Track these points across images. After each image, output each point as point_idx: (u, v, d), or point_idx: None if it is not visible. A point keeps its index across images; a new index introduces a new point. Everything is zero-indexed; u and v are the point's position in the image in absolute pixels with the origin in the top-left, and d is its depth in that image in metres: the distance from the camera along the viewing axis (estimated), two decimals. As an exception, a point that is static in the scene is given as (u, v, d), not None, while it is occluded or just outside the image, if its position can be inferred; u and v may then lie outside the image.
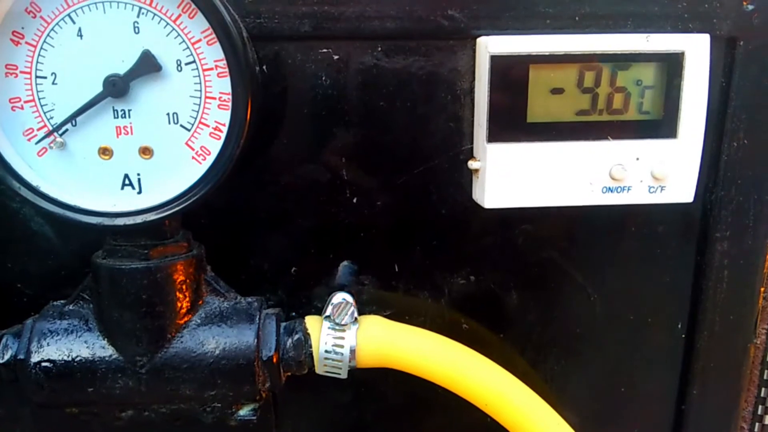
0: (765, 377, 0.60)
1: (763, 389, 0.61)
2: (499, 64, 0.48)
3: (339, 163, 0.55)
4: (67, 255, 0.55)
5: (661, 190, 0.50)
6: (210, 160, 0.46)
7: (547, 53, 0.48)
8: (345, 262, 0.58)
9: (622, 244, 0.58)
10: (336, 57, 0.52)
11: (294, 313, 0.57)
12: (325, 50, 0.52)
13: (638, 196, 0.50)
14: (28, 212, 0.55)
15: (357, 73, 0.53)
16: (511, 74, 0.48)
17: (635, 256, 0.58)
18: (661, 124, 0.49)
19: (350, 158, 0.55)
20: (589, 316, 0.60)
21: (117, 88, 0.44)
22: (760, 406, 0.61)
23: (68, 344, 0.48)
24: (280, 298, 0.57)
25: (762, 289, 0.58)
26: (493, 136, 0.49)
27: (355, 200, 0.55)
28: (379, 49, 0.53)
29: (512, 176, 0.50)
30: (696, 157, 0.50)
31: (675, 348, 0.61)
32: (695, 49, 0.49)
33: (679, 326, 0.60)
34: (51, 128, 0.45)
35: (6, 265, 0.56)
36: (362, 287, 0.57)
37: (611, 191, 0.51)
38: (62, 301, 0.51)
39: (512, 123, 0.49)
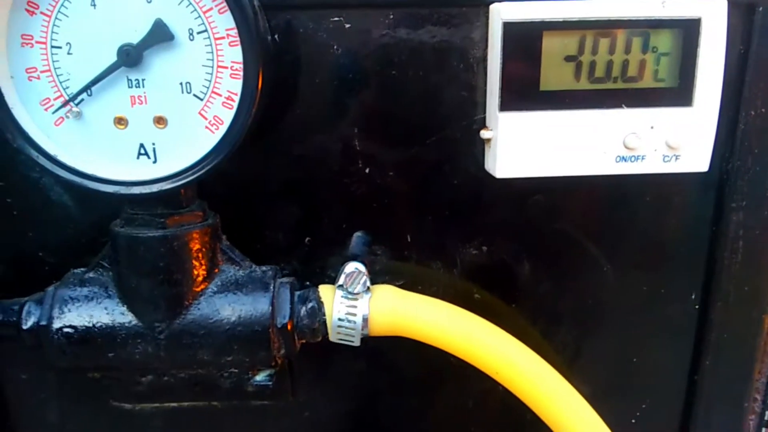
0: (779, 348, 0.60)
1: (776, 360, 0.60)
2: (512, 30, 0.48)
3: (351, 133, 0.55)
4: (87, 224, 0.56)
5: (676, 159, 0.50)
6: (223, 129, 0.47)
7: (560, 20, 0.48)
8: (358, 233, 0.58)
9: (636, 215, 0.58)
10: (348, 26, 0.52)
11: (308, 283, 0.57)
12: (336, 19, 0.52)
13: (652, 165, 0.50)
14: (48, 182, 0.56)
15: (369, 42, 0.53)
16: (524, 41, 0.48)
17: (649, 227, 0.58)
18: (676, 92, 0.49)
19: (362, 128, 0.55)
20: (602, 287, 0.60)
21: (130, 57, 0.44)
22: (773, 377, 0.61)
23: (89, 310, 0.49)
24: (294, 267, 0.58)
25: (777, 260, 0.58)
26: (506, 105, 0.49)
27: (367, 170, 0.56)
28: (391, 17, 0.52)
29: (524, 145, 0.50)
30: (712, 126, 0.50)
31: (689, 319, 0.60)
32: (712, 15, 0.48)
33: (693, 297, 0.60)
34: (67, 98, 0.46)
35: (27, 235, 0.57)
36: (375, 257, 0.58)
37: (625, 160, 0.50)
38: (82, 269, 0.52)
39: (525, 91, 0.49)
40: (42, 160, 0.45)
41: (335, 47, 0.53)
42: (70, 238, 0.57)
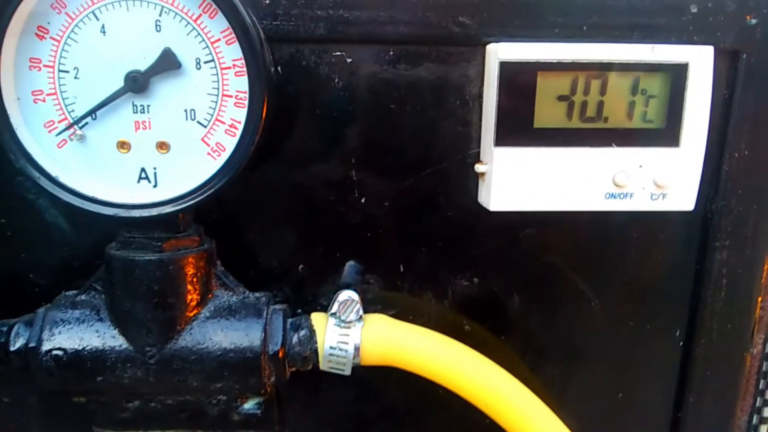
0: (761, 386, 0.61)
1: (758, 399, 0.62)
2: (508, 70, 0.49)
3: (349, 164, 0.56)
4: (80, 246, 0.56)
5: (663, 197, 0.52)
6: (225, 156, 0.48)
7: (554, 61, 0.49)
8: (351, 262, 0.59)
9: (623, 251, 0.59)
10: (349, 60, 0.54)
11: (300, 310, 0.58)
12: (338, 53, 0.54)
13: (640, 203, 0.52)
14: (43, 204, 0.56)
15: (369, 76, 0.54)
16: (519, 80, 0.50)
17: (636, 263, 0.59)
18: (664, 133, 0.51)
19: (360, 159, 0.56)
20: (590, 322, 0.61)
21: (137, 83, 0.45)
22: (755, 416, 0.62)
23: (79, 333, 0.49)
24: (287, 294, 0.58)
25: (759, 299, 0.59)
26: (500, 140, 0.50)
27: (363, 200, 0.57)
28: (392, 53, 0.54)
29: (518, 180, 0.51)
30: (697, 166, 0.51)
31: (673, 355, 0.62)
32: (699, 61, 0.50)
33: (678, 334, 0.61)
34: (72, 121, 0.46)
35: (20, 256, 0.57)
36: (368, 286, 0.58)
37: (614, 197, 0.52)
38: (74, 291, 0.52)
39: (519, 127, 0.50)
40: (43, 181, 0.46)
41: (336, 80, 0.54)
42: (63, 260, 0.57)
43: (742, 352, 0.60)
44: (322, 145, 0.56)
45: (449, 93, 0.55)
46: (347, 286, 0.57)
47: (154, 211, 0.47)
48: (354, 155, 0.56)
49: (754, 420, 0.62)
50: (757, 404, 0.62)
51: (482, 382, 0.53)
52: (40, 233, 0.56)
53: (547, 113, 0.50)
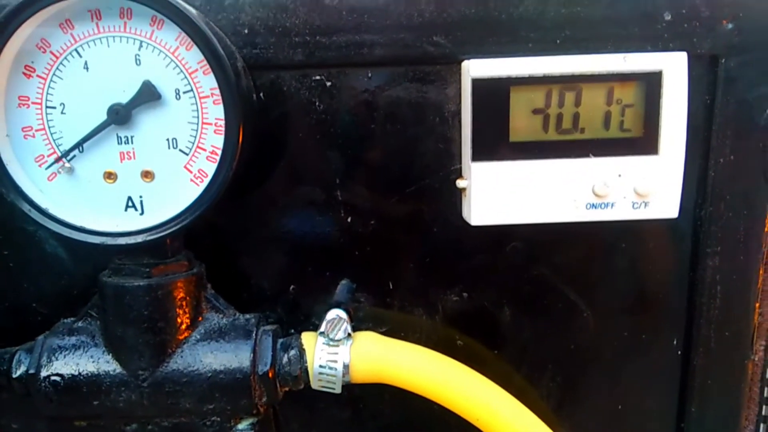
0: (765, 395, 0.60)
1: (764, 407, 0.60)
2: (480, 86, 0.50)
3: (333, 184, 0.57)
4: (79, 275, 0.58)
5: (645, 206, 0.51)
6: (206, 182, 0.49)
7: (526, 75, 0.50)
8: (344, 281, 0.60)
9: (613, 261, 0.59)
10: (329, 83, 0.55)
11: (293, 330, 0.59)
12: (318, 77, 0.55)
13: (622, 212, 0.52)
14: (43, 236, 0.58)
15: (349, 98, 0.55)
16: (492, 96, 0.50)
17: (628, 273, 0.59)
18: (642, 141, 0.51)
19: (344, 179, 0.57)
20: (584, 333, 0.60)
21: (120, 116, 0.47)
22: (761, 425, 0.60)
23: (75, 359, 0.51)
24: (280, 315, 0.59)
25: (757, 305, 0.58)
26: (478, 155, 0.51)
27: (349, 219, 0.58)
28: (370, 75, 0.55)
29: (497, 194, 0.51)
30: (678, 173, 0.51)
31: (672, 365, 0.61)
32: (673, 68, 0.50)
33: (675, 343, 0.60)
34: (60, 154, 0.48)
35: (22, 286, 0.59)
36: (358, 304, 0.59)
37: (595, 207, 0.52)
38: (72, 319, 0.54)
39: (495, 142, 0.51)
40: (33, 213, 0.48)
41: (317, 104, 0.56)
42: (64, 289, 0.59)
43: (742, 360, 0.59)
44: (306, 167, 0.57)
45: (429, 111, 0.56)
46: (338, 305, 0.58)
47: (140, 238, 0.48)
48: (338, 176, 0.57)
49: (761, 429, 0.61)
50: (763, 412, 0.60)
51: (472, 397, 0.53)
52: (41, 264, 0.58)
53: (523, 127, 0.51)
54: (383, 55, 0.54)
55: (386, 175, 0.57)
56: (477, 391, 0.53)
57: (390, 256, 0.58)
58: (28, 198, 0.48)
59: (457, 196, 0.56)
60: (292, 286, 0.59)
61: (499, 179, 0.51)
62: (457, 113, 0.55)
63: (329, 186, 0.57)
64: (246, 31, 0.53)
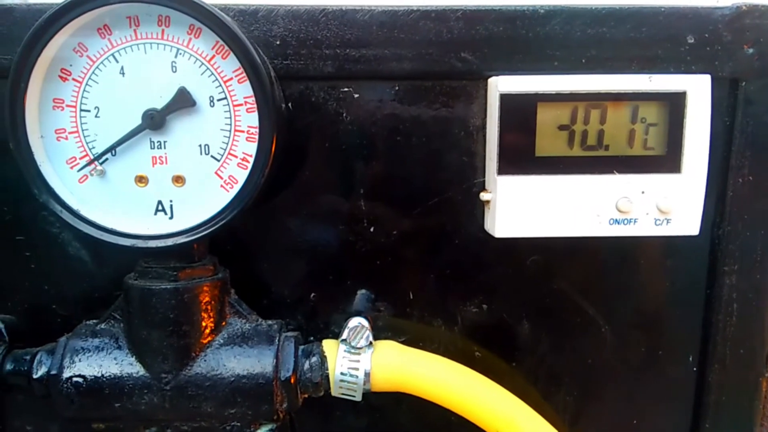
0: (778, 412, 0.60)
1: (776, 425, 0.61)
2: (508, 101, 0.51)
3: (358, 195, 0.58)
4: (101, 278, 0.59)
5: (667, 222, 0.52)
6: (237, 188, 0.50)
7: (554, 92, 0.51)
8: (362, 290, 0.60)
9: (632, 277, 0.60)
10: (356, 95, 0.56)
11: (312, 338, 0.59)
12: (346, 89, 0.56)
13: (644, 228, 0.52)
14: (66, 238, 0.58)
15: (376, 110, 0.56)
16: (519, 111, 0.51)
17: (646, 289, 0.60)
18: (665, 160, 0.52)
19: (368, 190, 0.58)
20: (601, 348, 0.61)
21: (155, 121, 0.48)
22: (774, 442, 0.61)
23: (99, 360, 0.51)
24: (300, 322, 0.60)
25: (772, 323, 0.59)
26: (503, 169, 0.52)
27: (372, 230, 0.58)
28: (397, 88, 0.56)
29: (521, 207, 0.52)
30: (700, 191, 0.52)
31: (687, 381, 0.61)
32: (697, 89, 0.51)
33: (690, 359, 0.61)
34: (92, 157, 0.49)
35: (43, 288, 0.59)
36: (378, 314, 0.60)
37: (618, 223, 0.53)
38: (94, 321, 0.54)
39: (521, 157, 0.52)
40: (65, 215, 0.48)
41: (344, 115, 0.56)
42: (84, 291, 0.59)
43: (756, 377, 0.60)
44: (331, 177, 0.58)
45: (453, 125, 0.57)
46: (358, 314, 0.59)
47: (170, 242, 0.49)
48: (363, 186, 0.58)
49: (773, 448, 0.61)
50: (776, 431, 0.61)
51: (493, 408, 0.53)
52: (62, 266, 0.59)
53: (549, 142, 0.52)
54: (411, 69, 0.55)
55: (409, 186, 0.58)
56: (498, 403, 0.53)
57: (411, 267, 0.59)
58: (60, 199, 0.48)
59: (479, 208, 0.57)
60: (312, 294, 0.60)
61: (524, 193, 0.52)
62: (482, 128, 0.56)
63: (353, 196, 0.58)
64: (278, 42, 0.54)
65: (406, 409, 0.61)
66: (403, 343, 0.56)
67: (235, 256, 0.57)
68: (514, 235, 0.53)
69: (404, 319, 0.60)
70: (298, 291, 0.60)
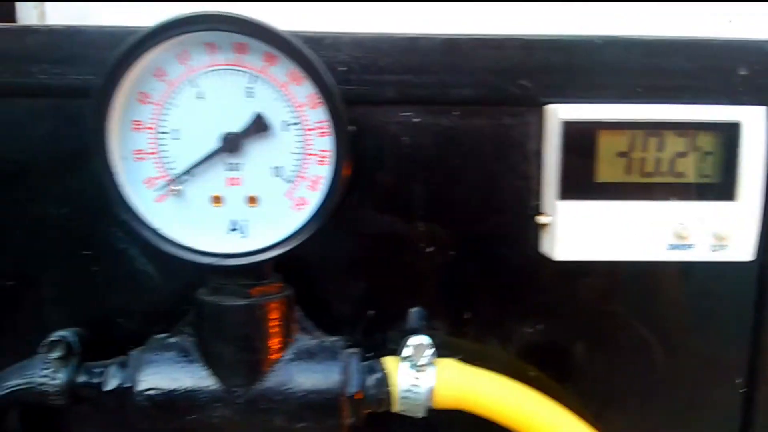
0: (825, 434, 0.62)
1: (823, 446, 0.62)
2: (570, 128, 0.53)
3: (416, 215, 0.59)
4: (165, 293, 0.60)
5: (723, 248, 0.54)
6: (307, 209, 0.52)
7: (614, 120, 0.53)
8: (415, 308, 0.62)
9: (682, 299, 0.61)
10: (416, 120, 0.58)
11: (368, 354, 0.61)
12: (406, 114, 0.58)
13: (701, 253, 0.54)
14: (132, 253, 0.60)
15: (434, 134, 0.58)
16: (580, 138, 0.53)
17: (695, 311, 0.61)
18: (721, 188, 0.53)
19: (426, 211, 0.59)
20: (652, 369, 0.62)
21: (232, 144, 0.50)
22: (820, 464, 0.62)
23: (172, 374, 0.52)
24: (357, 339, 0.61)
25: (820, 347, 0.60)
26: (564, 194, 0.54)
27: (429, 250, 0.60)
28: (455, 113, 0.58)
29: (581, 231, 0.54)
30: (755, 218, 0.54)
31: (734, 403, 0.62)
32: (752, 120, 0.53)
33: (738, 381, 0.62)
34: (171, 178, 0.51)
35: (109, 301, 0.61)
36: (433, 332, 0.61)
37: (676, 248, 0.54)
38: (164, 335, 0.56)
39: (582, 182, 0.53)
40: (146, 233, 0.50)
41: (403, 138, 0.58)
42: (149, 305, 0.61)
43: (804, 399, 0.61)
44: (390, 198, 0.59)
45: (509, 150, 0.58)
46: (414, 332, 0.60)
47: (247, 260, 0.51)
48: (421, 207, 0.59)
49: (818, 469, 0.62)
50: (821, 452, 0.62)
51: (552, 427, 0.54)
52: (128, 281, 0.60)
53: (608, 168, 0.54)
54: (470, 95, 0.57)
55: (466, 208, 0.59)
56: (558, 423, 0.54)
57: (467, 287, 0.61)
58: (141, 218, 0.50)
59: (533, 231, 0.59)
60: (370, 312, 0.61)
61: (584, 217, 0.54)
62: (537, 153, 0.58)
63: (411, 216, 0.60)
64: (343, 68, 0.56)
65: (460, 424, 0.62)
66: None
67: (294, 273, 0.59)
68: (573, 259, 0.54)
69: (459, 338, 0.61)
70: (355, 309, 0.61)
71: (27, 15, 1.18)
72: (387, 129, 0.58)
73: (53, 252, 0.60)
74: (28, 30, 0.55)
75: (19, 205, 0.58)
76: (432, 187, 0.59)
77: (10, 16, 1.16)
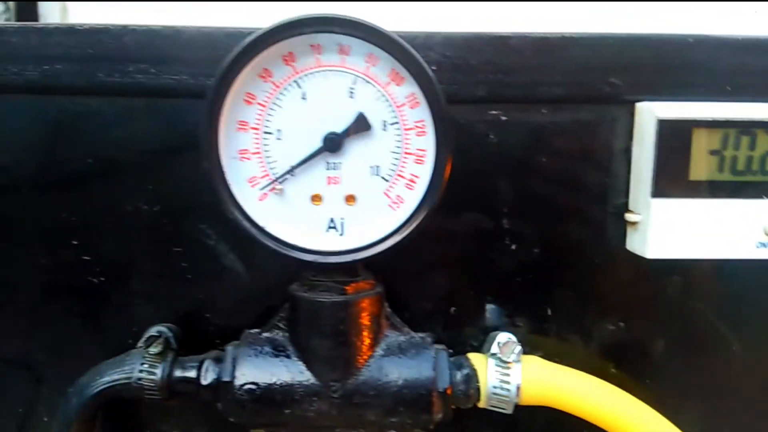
0: None
1: None
2: (666, 126, 0.53)
3: (501, 213, 0.60)
4: (253, 289, 0.61)
5: (812, 246, 0.54)
6: (402, 208, 0.52)
7: (709, 119, 0.53)
8: (491, 305, 0.62)
9: (764, 297, 0.61)
10: (504, 118, 0.59)
11: (451, 351, 0.61)
12: (495, 112, 0.58)
13: (791, 252, 0.54)
14: (221, 249, 0.61)
15: (522, 132, 0.59)
16: (676, 136, 0.53)
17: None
18: (812, 186, 0.54)
19: (511, 208, 0.60)
20: (730, 367, 0.62)
21: (334, 144, 0.51)
22: None
23: (270, 368, 0.53)
24: (439, 335, 0.62)
25: None
26: (658, 192, 0.54)
27: (513, 247, 0.60)
28: (544, 111, 0.58)
29: (674, 229, 0.54)
30: None
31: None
32: None
33: (818, 378, 0.62)
34: (273, 178, 0.52)
35: (198, 297, 0.62)
36: (516, 329, 0.62)
37: (765, 246, 0.54)
38: (257, 330, 0.57)
39: (676, 180, 0.54)
40: (253, 231, 0.51)
41: (491, 136, 0.59)
42: (237, 301, 0.62)
43: None
44: (475, 195, 0.60)
45: (597, 147, 0.59)
46: (495, 328, 0.61)
47: (348, 258, 0.51)
48: (506, 205, 0.60)
49: None
50: None
51: (637, 424, 0.55)
52: (217, 277, 0.61)
53: (701, 166, 0.54)
54: (560, 93, 0.57)
55: (552, 205, 0.60)
56: (643, 420, 0.55)
57: (550, 284, 0.61)
58: (248, 216, 0.51)
59: (618, 228, 0.59)
60: (452, 308, 0.62)
61: (677, 215, 0.54)
62: (626, 150, 0.58)
63: (496, 213, 0.60)
64: (434, 68, 0.57)
65: (541, 421, 0.63)
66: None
67: (377, 269, 0.60)
68: (666, 257, 0.55)
69: (541, 335, 0.62)
70: (438, 305, 0.62)
71: (49, 12, 1.19)
72: (474, 127, 0.59)
73: (144, 248, 0.61)
74: (126, 30, 0.56)
75: (112, 202, 0.60)
76: (517, 184, 0.60)
77: (33, 14, 1.18)
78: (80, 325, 0.62)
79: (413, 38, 0.56)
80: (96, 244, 0.61)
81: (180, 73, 0.57)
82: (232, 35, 0.56)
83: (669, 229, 0.54)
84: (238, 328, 0.59)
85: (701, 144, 0.54)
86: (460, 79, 0.57)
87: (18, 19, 1.15)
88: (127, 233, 0.60)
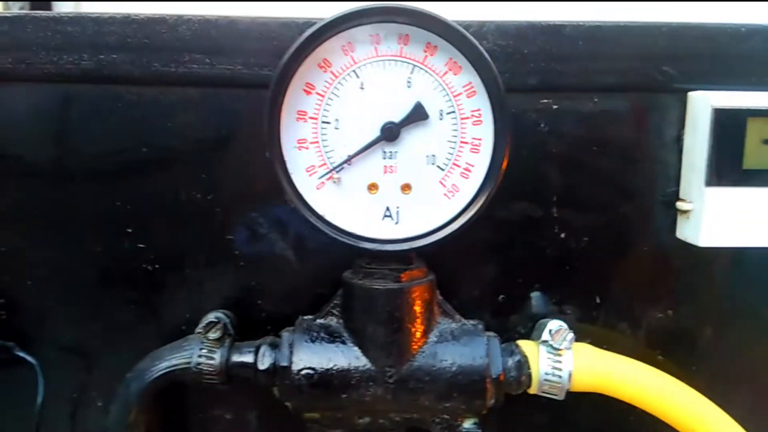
0: None
1: None
2: (721, 116, 0.53)
3: (550, 201, 0.60)
4: (303, 276, 0.62)
5: None
6: (457, 197, 0.53)
7: (764, 108, 0.53)
8: (536, 293, 0.63)
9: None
10: (555, 107, 0.59)
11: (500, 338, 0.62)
12: (546, 100, 0.59)
13: (842, 241, 0.54)
14: (272, 238, 0.62)
15: (573, 121, 0.59)
16: (730, 125, 0.53)
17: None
18: None
19: (561, 197, 0.60)
20: (775, 355, 0.63)
21: (392, 133, 0.51)
22: None
23: (327, 354, 0.54)
24: (488, 322, 0.62)
25: None
26: (712, 181, 0.54)
27: (563, 235, 0.61)
28: (595, 100, 0.59)
29: (727, 218, 0.55)
30: None
31: None
32: None
33: None
34: (331, 167, 0.52)
35: (250, 284, 0.63)
36: (564, 316, 0.62)
37: (817, 235, 0.55)
38: (311, 317, 0.58)
39: (730, 169, 0.54)
40: (313, 219, 0.52)
41: (542, 125, 0.59)
42: (288, 288, 0.63)
43: None
44: (525, 183, 0.60)
45: (648, 136, 0.59)
46: (543, 316, 0.61)
47: (405, 246, 0.52)
48: (555, 193, 0.60)
49: None
50: None
51: (687, 409, 0.55)
52: (268, 264, 0.62)
53: (754, 155, 0.54)
54: (613, 82, 0.58)
55: (602, 194, 0.60)
56: (693, 405, 0.56)
57: (599, 272, 0.62)
58: (308, 205, 0.52)
59: (668, 217, 0.60)
60: (501, 296, 0.63)
61: (730, 204, 0.54)
62: (676, 139, 0.58)
63: (546, 202, 0.61)
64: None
65: (587, 407, 0.63)
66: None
67: (426, 257, 0.60)
68: (719, 245, 0.55)
69: (589, 323, 0.63)
70: (486, 292, 0.63)
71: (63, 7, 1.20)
72: (526, 116, 0.59)
73: (197, 236, 0.62)
74: (181, 20, 0.57)
75: (166, 191, 0.61)
76: (567, 173, 0.60)
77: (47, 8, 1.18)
78: (134, 312, 0.63)
79: (466, 27, 0.56)
80: (150, 232, 0.62)
81: (234, 63, 0.57)
82: (287, 25, 0.56)
83: (722, 217, 0.55)
84: (288, 314, 0.60)
85: (755, 133, 0.54)
86: (511, 68, 0.57)
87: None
88: (181, 221, 0.61)
